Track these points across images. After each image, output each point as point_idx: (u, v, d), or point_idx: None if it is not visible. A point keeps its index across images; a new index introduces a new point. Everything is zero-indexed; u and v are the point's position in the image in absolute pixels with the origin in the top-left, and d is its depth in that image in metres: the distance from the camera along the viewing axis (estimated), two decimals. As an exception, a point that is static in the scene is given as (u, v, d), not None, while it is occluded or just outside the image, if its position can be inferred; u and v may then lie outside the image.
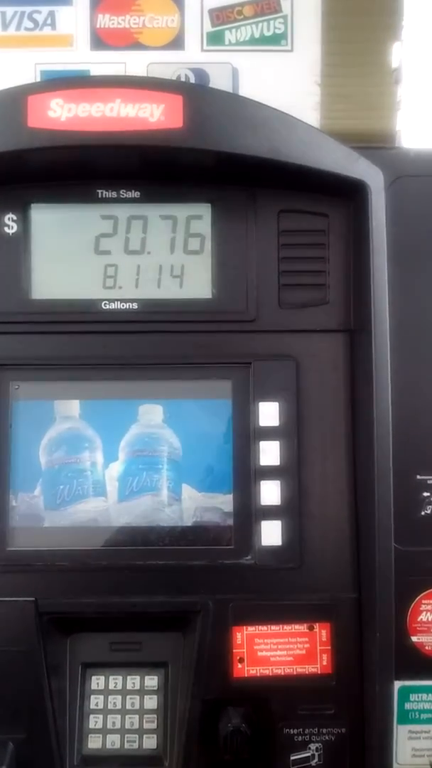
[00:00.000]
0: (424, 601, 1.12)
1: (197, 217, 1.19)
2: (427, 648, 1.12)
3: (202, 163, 1.14)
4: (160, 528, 1.15)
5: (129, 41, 1.53)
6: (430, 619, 1.12)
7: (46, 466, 1.16)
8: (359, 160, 1.13)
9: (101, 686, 1.12)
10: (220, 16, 1.60)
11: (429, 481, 1.14)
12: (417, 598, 1.12)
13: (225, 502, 1.15)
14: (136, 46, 1.53)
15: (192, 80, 1.44)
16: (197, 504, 1.15)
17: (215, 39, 1.60)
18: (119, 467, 1.16)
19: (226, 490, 1.15)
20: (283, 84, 1.56)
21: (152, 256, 1.19)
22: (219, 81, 1.47)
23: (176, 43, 1.57)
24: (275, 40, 1.60)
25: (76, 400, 1.17)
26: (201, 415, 1.17)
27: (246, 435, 1.15)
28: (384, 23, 1.73)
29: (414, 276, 1.15)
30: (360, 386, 1.15)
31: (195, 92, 1.12)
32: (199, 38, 1.59)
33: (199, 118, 1.09)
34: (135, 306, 1.17)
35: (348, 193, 1.16)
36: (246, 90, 1.43)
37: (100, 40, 1.52)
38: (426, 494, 1.13)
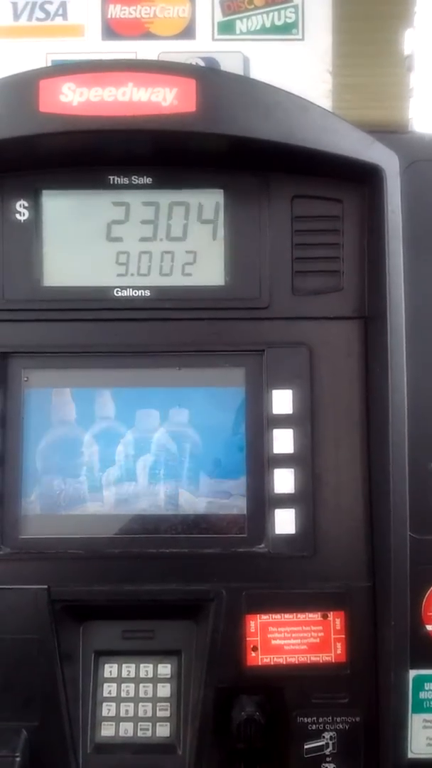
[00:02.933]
0: (439, 590, 1.11)
1: (210, 203, 1.18)
2: (442, 637, 1.11)
3: (215, 148, 1.13)
4: (173, 516, 1.14)
5: (140, 31, 1.53)
6: (445, 608, 1.11)
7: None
8: (374, 144, 1.12)
9: (114, 674, 1.11)
10: (231, 5, 1.60)
11: (444, 470, 1.13)
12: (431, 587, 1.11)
13: (234, 486, 1.14)
14: (147, 35, 1.53)
15: (204, 67, 1.44)
16: (207, 489, 1.15)
17: (226, 28, 1.59)
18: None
19: (234, 477, 1.15)
20: (295, 73, 1.55)
21: (164, 243, 1.18)
22: (230, 70, 1.46)
23: (187, 32, 1.57)
24: (286, 29, 1.60)
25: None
26: (213, 402, 1.16)
27: (259, 423, 1.14)
28: (395, 11, 1.72)
29: (429, 262, 1.13)
30: (375, 374, 1.14)
31: (208, 76, 1.11)
32: (210, 27, 1.59)
33: (212, 101, 1.08)
34: (147, 293, 1.17)
35: (363, 178, 1.14)
36: (257, 78, 1.42)
37: (112, 30, 1.52)
38: (441, 482, 1.12)
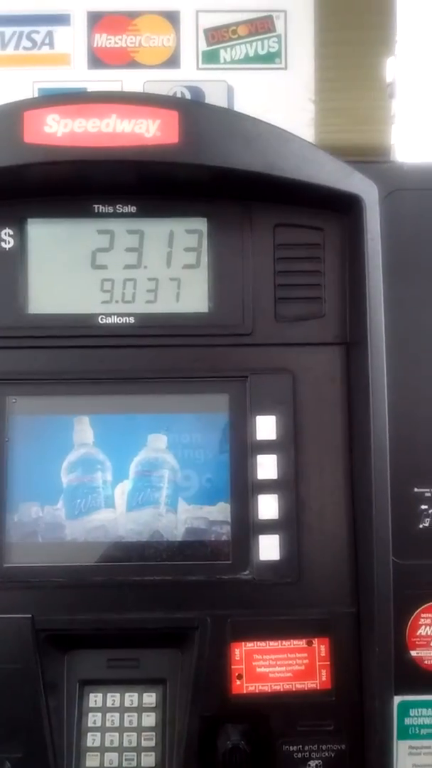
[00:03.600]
0: (422, 615, 1.11)
1: (193, 231, 1.19)
2: (426, 662, 1.11)
3: (198, 178, 1.15)
4: (157, 543, 1.14)
5: (126, 60, 1.55)
6: (429, 633, 1.11)
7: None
8: (353, 174, 1.14)
9: (99, 704, 1.10)
10: (215, 35, 1.62)
11: (427, 494, 1.13)
12: (416, 612, 1.11)
13: (218, 512, 1.15)
14: (133, 64, 1.55)
15: (188, 98, 1.46)
16: (187, 515, 1.15)
17: (210, 57, 1.61)
18: (128, 485, 1.16)
19: (218, 503, 1.15)
20: (278, 101, 1.57)
21: (149, 270, 1.19)
22: (214, 98, 1.48)
23: (172, 61, 1.59)
24: (269, 58, 1.62)
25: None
26: (197, 429, 1.17)
27: (243, 449, 1.15)
28: (377, 39, 1.74)
29: (409, 289, 1.15)
30: (357, 399, 1.15)
31: (190, 108, 1.13)
32: (195, 57, 1.61)
33: (194, 133, 1.09)
34: (132, 320, 1.18)
35: (343, 207, 1.16)
36: (241, 107, 1.44)
37: (98, 59, 1.54)
38: (424, 507, 1.13)
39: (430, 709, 1.12)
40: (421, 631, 1.11)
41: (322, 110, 1.62)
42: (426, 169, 1.21)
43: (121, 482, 1.16)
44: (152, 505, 1.15)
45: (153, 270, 1.19)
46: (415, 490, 1.13)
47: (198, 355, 1.17)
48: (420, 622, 1.11)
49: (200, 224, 1.20)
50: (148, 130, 1.08)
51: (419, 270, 1.16)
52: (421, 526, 1.12)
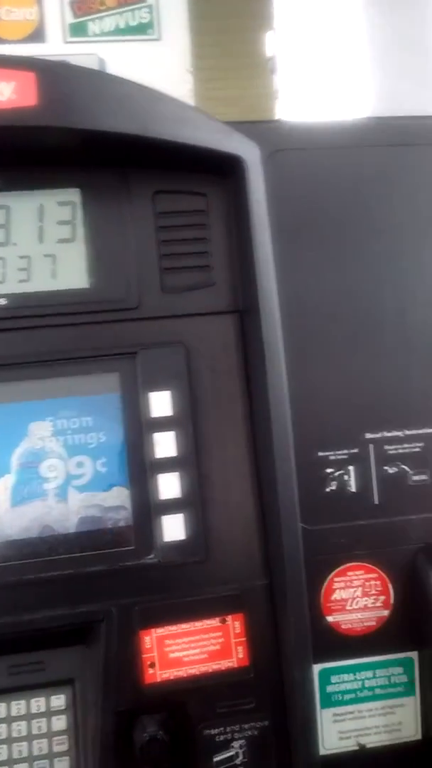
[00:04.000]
0: (335, 579, 1.09)
1: (66, 203, 1.12)
2: (343, 627, 1.09)
3: (66, 144, 1.07)
4: (50, 538, 1.06)
5: (-16, 35, 1.46)
6: (343, 597, 1.09)
7: None
8: (233, 134, 1.09)
9: (2, 714, 1.02)
10: (81, 7, 1.56)
11: (331, 457, 1.11)
12: (329, 577, 1.09)
13: (116, 497, 1.08)
14: (-8, 39, 1.46)
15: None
16: (79, 504, 1.08)
17: (78, 30, 1.55)
18: (11, 479, 1.07)
19: (115, 487, 1.09)
20: (154, 72, 1.53)
21: (19, 248, 1.10)
22: (86, 71, 1.42)
23: (36, 35, 1.52)
24: (141, 29, 1.57)
25: None
26: (86, 413, 1.10)
27: (138, 428, 1.09)
28: (253, 11, 1.73)
29: (298, 250, 1.12)
30: (254, 368, 1.12)
31: (50, 69, 1.05)
32: (61, 30, 1.55)
33: (56, 95, 1.02)
34: (4, 302, 1.09)
35: (224, 170, 1.11)
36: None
37: None
38: (329, 470, 1.11)
39: (351, 674, 1.10)
40: (336, 595, 1.09)
41: (204, 99, 1.58)
42: (309, 128, 1.18)
43: (2, 477, 1.07)
44: (39, 498, 1.07)
45: (24, 247, 1.11)
46: (319, 454, 1.11)
47: (81, 333, 1.10)
48: (334, 587, 1.09)
49: (73, 195, 1.12)
50: (2, 94, 1.00)
51: (309, 231, 1.13)
52: (327, 489, 1.10)
